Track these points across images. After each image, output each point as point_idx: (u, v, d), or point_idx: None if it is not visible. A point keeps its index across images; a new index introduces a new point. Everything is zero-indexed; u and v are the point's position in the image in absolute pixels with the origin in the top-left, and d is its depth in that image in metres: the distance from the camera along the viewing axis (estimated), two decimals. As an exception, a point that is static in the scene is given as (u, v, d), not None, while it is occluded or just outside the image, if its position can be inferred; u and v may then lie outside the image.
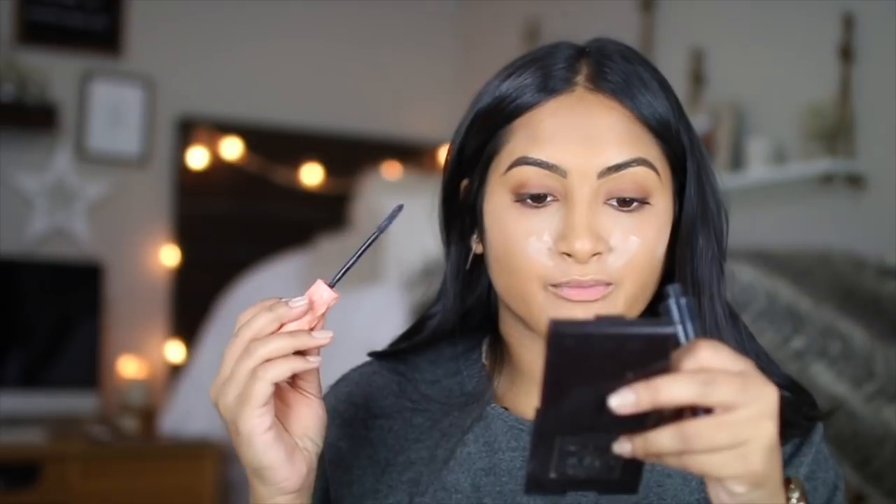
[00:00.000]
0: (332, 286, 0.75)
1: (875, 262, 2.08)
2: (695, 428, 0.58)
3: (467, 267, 0.87)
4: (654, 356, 0.58)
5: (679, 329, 0.61)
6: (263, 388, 0.70)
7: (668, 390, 0.57)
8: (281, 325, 0.72)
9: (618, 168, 0.77)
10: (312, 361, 0.72)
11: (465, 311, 0.89)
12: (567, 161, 0.77)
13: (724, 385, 0.58)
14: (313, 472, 0.76)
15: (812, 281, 1.95)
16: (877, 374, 1.81)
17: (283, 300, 0.73)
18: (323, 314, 0.75)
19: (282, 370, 0.71)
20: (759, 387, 0.59)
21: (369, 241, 0.77)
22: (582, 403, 0.59)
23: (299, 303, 0.73)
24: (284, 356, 0.71)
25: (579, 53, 0.82)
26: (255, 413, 0.70)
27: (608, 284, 0.77)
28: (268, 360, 0.70)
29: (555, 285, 0.77)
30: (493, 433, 0.85)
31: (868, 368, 1.81)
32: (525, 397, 0.86)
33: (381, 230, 0.77)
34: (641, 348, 0.58)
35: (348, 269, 0.77)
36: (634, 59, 0.82)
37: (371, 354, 0.94)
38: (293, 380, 0.76)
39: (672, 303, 0.61)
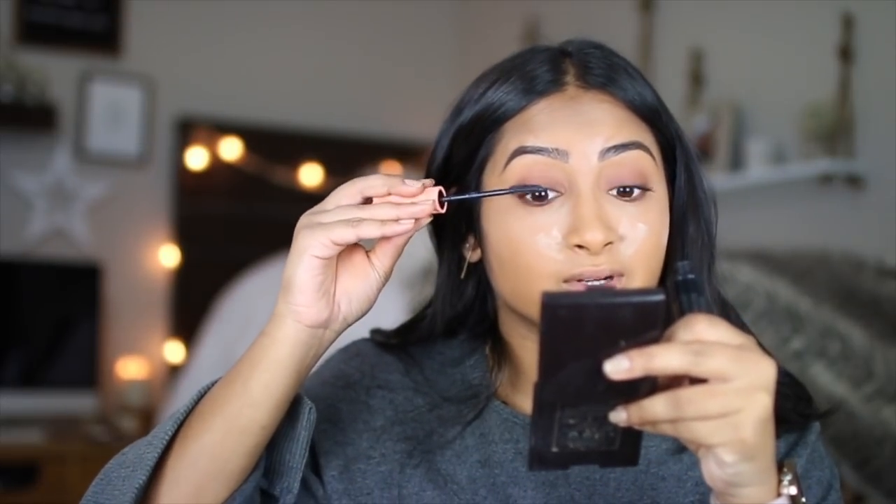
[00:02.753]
0: (442, 204, 0.76)
1: (874, 263, 2.08)
2: (687, 395, 0.59)
3: (462, 276, 0.87)
4: (646, 324, 0.59)
5: (685, 301, 0.63)
6: (347, 235, 0.72)
7: (661, 358, 0.59)
8: (388, 194, 0.75)
9: (617, 149, 0.78)
10: (404, 224, 0.74)
11: (453, 316, 0.90)
12: (566, 143, 0.77)
13: (717, 356, 0.59)
14: (325, 338, 0.77)
15: (811, 281, 1.95)
16: (876, 374, 1.81)
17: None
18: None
19: (373, 231, 0.73)
20: (754, 360, 0.60)
21: (498, 192, 0.79)
22: (578, 374, 0.60)
23: (414, 184, 0.75)
24: (382, 221, 0.73)
25: (561, 54, 0.82)
26: (323, 241, 0.72)
27: (621, 276, 0.77)
28: (366, 219, 0.73)
29: (567, 280, 0.76)
30: (487, 425, 0.85)
31: (867, 369, 1.81)
32: (525, 397, 0.86)
33: (515, 191, 0.78)
34: (633, 316, 0.59)
35: (465, 198, 0.80)
36: (611, 52, 0.83)
37: (373, 340, 0.94)
38: (374, 245, 0.78)
39: (680, 278, 0.64)
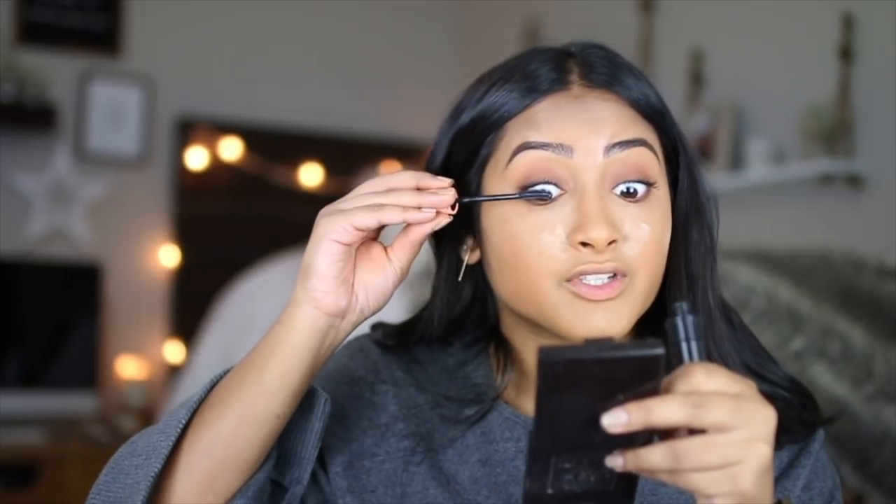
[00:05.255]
0: (453, 206, 0.76)
1: (874, 263, 2.08)
2: (685, 446, 0.59)
3: (460, 278, 0.86)
4: (644, 377, 0.59)
5: (683, 347, 0.62)
6: (368, 219, 0.73)
7: (659, 411, 0.58)
8: (416, 187, 0.76)
9: (622, 145, 0.77)
10: (426, 212, 0.75)
11: (451, 318, 0.89)
12: (570, 139, 0.77)
13: (716, 407, 0.58)
14: (342, 328, 0.77)
15: (812, 281, 1.95)
16: (876, 374, 1.81)
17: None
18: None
19: (395, 216, 0.74)
20: (754, 409, 0.59)
21: (507, 195, 0.79)
22: (575, 424, 0.59)
23: (445, 180, 0.77)
24: (403, 207, 0.74)
25: (564, 54, 0.82)
26: (344, 226, 0.73)
27: (624, 276, 0.76)
28: (388, 205, 0.74)
29: (569, 279, 0.76)
30: (489, 424, 0.85)
31: (867, 369, 1.81)
32: (529, 399, 0.86)
33: (525, 196, 0.78)
34: (631, 370, 0.59)
35: (477, 200, 0.80)
36: (613, 53, 0.83)
37: (375, 335, 0.94)
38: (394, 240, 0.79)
39: (678, 321, 0.62)
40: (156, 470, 0.73)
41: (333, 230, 0.73)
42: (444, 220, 0.76)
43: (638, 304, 0.77)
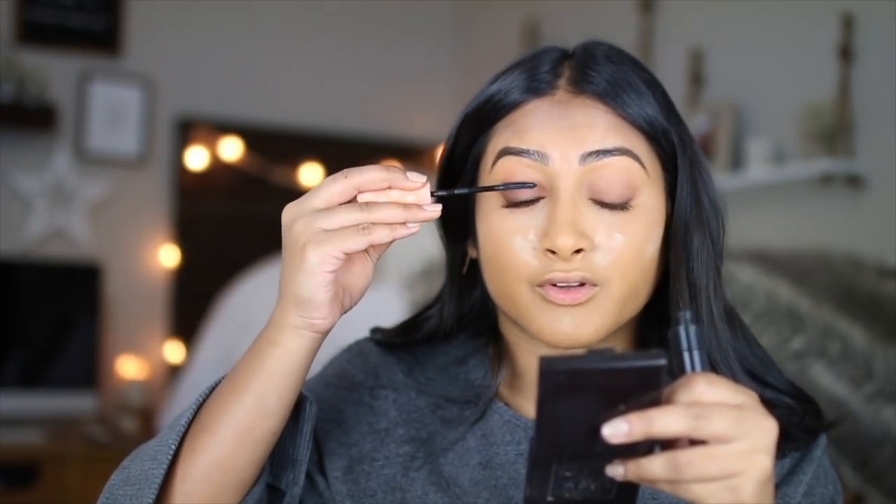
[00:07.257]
0: (435, 200, 0.74)
1: (875, 263, 2.08)
2: (686, 457, 0.58)
3: (463, 272, 0.86)
4: (646, 387, 0.59)
5: (686, 357, 0.62)
6: (359, 244, 0.70)
7: (660, 422, 0.58)
8: (389, 188, 0.73)
9: (600, 154, 0.77)
10: (412, 227, 0.72)
11: (461, 314, 0.89)
12: (548, 146, 0.77)
13: (717, 418, 0.58)
14: (328, 331, 0.76)
15: (812, 281, 1.95)
16: (876, 374, 1.81)
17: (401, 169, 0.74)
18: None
19: (385, 236, 0.71)
20: (756, 420, 0.59)
21: (489, 187, 0.78)
22: (576, 433, 0.59)
23: (418, 178, 0.73)
24: (391, 224, 0.71)
25: (564, 56, 0.82)
26: (335, 255, 0.70)
27: (594, 285, 0.76)
28: (376, 224, 0.71)
29: (540, 285, 0.76)
30: (489, 426, 0.85)
31: (867, 369, 1.81)
32: (524, 400, 0.86)
33: (506, 188, 0.77)
34: (632, 380, 0.58)
35: (456, 193, 0.79)
36: (621, 61, 0.81)
37: (374, 339, 0.93)
38: None
39: (681, 330, 0.62)
40: (149, 501, 0.73)
41: (327, 261, 0.70)
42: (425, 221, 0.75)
43: (610, 313, 0.77)
